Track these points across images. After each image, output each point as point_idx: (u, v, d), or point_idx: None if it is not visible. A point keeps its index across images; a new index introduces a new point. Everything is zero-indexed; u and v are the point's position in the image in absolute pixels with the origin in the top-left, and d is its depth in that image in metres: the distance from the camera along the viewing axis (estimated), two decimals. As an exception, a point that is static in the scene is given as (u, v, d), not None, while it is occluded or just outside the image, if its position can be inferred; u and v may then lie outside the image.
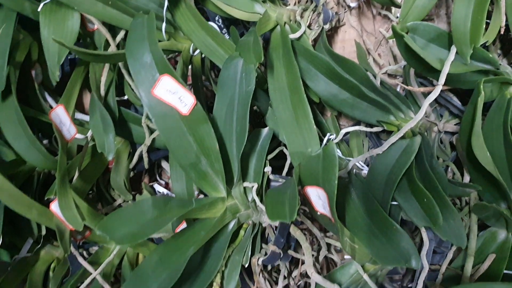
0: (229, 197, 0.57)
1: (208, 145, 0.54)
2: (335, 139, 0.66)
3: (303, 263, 0.64)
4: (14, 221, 0.74)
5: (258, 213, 0.60)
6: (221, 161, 0.54)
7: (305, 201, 0.54)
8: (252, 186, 0.57)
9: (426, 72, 0.59)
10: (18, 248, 0.74)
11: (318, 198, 0.50)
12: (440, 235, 0.52)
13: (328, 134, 0.65)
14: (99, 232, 0.46)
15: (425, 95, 0.67)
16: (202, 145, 0.55)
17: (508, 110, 0.55)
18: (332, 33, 0.78)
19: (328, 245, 0.66)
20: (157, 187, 0.81)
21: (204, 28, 0.64)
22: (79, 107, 0.84)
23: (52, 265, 0.74)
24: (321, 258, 0.63)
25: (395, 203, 0.57)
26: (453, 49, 0.55)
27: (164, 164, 0.81)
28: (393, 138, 0.54)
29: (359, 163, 0.65)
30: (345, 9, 0.76)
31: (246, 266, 0.56)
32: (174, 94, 0.53)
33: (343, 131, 0.66)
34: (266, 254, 0.57)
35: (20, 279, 0.71)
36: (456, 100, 0.66)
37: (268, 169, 0.59)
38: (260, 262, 0.56)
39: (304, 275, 0.67)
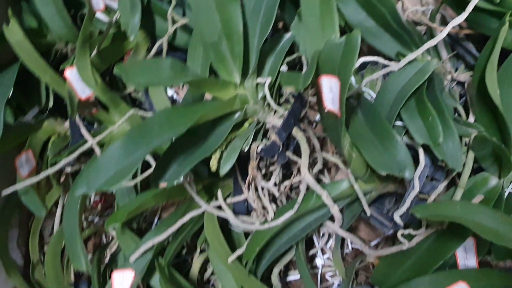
0: (242, 86, 0.59)
1: (232, 27, 0.56)
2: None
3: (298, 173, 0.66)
4: (25, 87, 0.76)
5: (265, 112, 0.61)
6: (242, 45, 0.55)
7: (316, 94, 0.55)
8: (265, 81, 0.59)
9: (455, 8, 0.60)
10: (24, 113, 0.76)
11: (330, 91, 0.51)
12: (437, 154, 0.54)
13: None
14: (117, 71, 0.48)
15: (446, 43, 0.69)
16: (226, 26, 0.56)
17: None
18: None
19: (324, 164, 0.68)
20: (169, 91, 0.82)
21: None
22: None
23: (52, 138, 0.75)
24: (314, 172, 0.65)
25: (399, 123, 0.59)
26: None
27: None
28: (412, 55, 0.56)
29: (369, 92, 0.66)
30: None
31: (245, 150, 0.57)
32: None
33: (361, 59, 0.67)
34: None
35: (20, 141, 0.73)
36: (475, 52, 0.67)
37: (284, 68, 0.60)
38: (259, 149, 0.57)
39: (295, 187, 0.69)
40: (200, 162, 0.54)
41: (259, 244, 0.62)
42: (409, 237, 0.59)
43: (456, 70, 0.69)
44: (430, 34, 0.69)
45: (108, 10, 0.77)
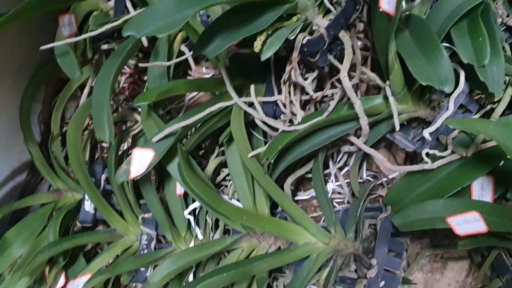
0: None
1: None
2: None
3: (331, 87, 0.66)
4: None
5: (314, 11, 0.61)
6: None
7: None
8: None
9: None
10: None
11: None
12: (480, 75, 0.53)
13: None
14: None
15: None
16: None
17: None
18: None
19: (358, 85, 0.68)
20: None
21: None
22: None
23: (95, 13, 0.75)
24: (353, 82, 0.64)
25: (445, 44, 0.58)
26: None
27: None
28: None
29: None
30: None
31: (292, 38, 0.57)
32: None
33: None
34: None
35: (65, 5, 0.73)
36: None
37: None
38: (305, 41, 0.57)
39: (325, 101, 0.69)
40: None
41: (281, 143, 0.63)
42: (433, 159, 0.59)
43: (507, 16, 0.68)
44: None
45: None
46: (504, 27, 0.68)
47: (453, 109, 0.57)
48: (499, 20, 0.68)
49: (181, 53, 0.74)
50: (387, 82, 0.59)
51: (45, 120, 0.89)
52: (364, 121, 0.60)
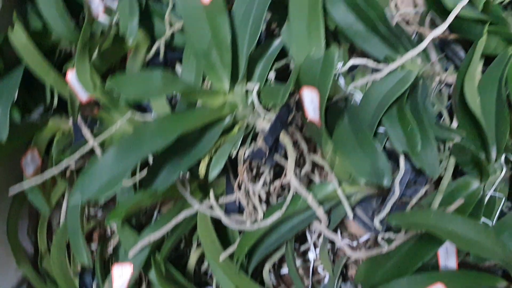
0: (231, 92, 0.61)
1: (221, 37, 0.58)
2: (342, 67, 0.69)
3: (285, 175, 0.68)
4: (31, 86, 0.79)
5: (254, 116, 0.64)
6: (230, 54, 0.58)
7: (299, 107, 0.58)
8: (254, 87, 0.61)
9: (441, 15, 0.61)
10: (30, 111, 0.80)
11: (311, 101, 0.54)
12: (415, 161, 0.56)
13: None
14: (109, 84, 0.51)
15: (436, 45, 0.70)
16: (216, 35, 0.58)
17: (506, 66, 0.58)
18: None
19: (313, 167, 0.70)
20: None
21: None
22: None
23: (57, 136, 0.79)
24: (303, 173, 0.67)
25: (381, 131, 0.61)
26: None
27: (178, 67, 0.85)
28: (394, 65, 0.58)
29: (358, 95, 0.68)
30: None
31: (233, 156, 0.60)
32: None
33: (351, 61, 0.69)
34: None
35: (26, 140, 0.77)
36: (463, 55, 0.68)
37: (272, 74, 0.62)
38: (246, 155, 0.60)
39: (284, 187, 0.71)
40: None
41: (248, 243, 0.65)
42: (390, 241, 0.61)
43: (446, 70, 0.70)
44: (419, 36, 0.70)
45: (109, 11, 0.80)
46: (444, 84, 0.70)
47: (400, 191, 0.59)
48: (437, 78, 0.69)
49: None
50: (333, 174, 0.61)
51: (35, 231, 0.93)
52: (319, 212, 0.63)
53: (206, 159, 0.59)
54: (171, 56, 0.81)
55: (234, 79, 0.61)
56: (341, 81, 0.71)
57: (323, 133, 0.53)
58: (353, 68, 0.73)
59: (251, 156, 0.59)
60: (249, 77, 0.64)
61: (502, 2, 0.63)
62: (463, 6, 0.56)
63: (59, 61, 0.83)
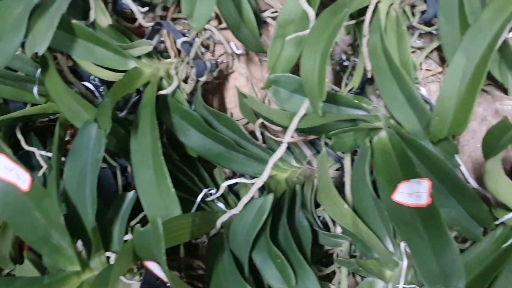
0: (87, 269, 0.55)
1: (55, 219, 0.52)
2: (216, 193, 0.64)
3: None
4: None
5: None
6: (68, 235, 0.52)
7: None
8: (113, 257, 0.55)
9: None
10: None
11: (160, 271, 0.47)
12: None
13: (205, 190, 0.63)
14: None
15: (310, 146, 0.66)
16: (49, 218, 0.52)
17: (366, 160, 0.54)
18: (223, 81, 0.77)
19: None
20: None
21: (68, 91, 0.63)
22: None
23: None
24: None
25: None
26: (306, 103, 0.54)
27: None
28: (246, 198, 0.52)
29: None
30: (233, 57, 0.75)
31: None
32: (12, 171, 0.51)
33: (224, 184, 0.64)
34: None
35: None
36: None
37: (128, 236, 0.56)
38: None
39: None
40: None
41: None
42: None
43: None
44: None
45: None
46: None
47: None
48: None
49: None
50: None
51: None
52: None
53: None
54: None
55: (88, 252, 0.55)
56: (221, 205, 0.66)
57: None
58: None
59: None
60: (107, 242, 0.58)
61: (351, 90, 0.60)
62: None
63: None
